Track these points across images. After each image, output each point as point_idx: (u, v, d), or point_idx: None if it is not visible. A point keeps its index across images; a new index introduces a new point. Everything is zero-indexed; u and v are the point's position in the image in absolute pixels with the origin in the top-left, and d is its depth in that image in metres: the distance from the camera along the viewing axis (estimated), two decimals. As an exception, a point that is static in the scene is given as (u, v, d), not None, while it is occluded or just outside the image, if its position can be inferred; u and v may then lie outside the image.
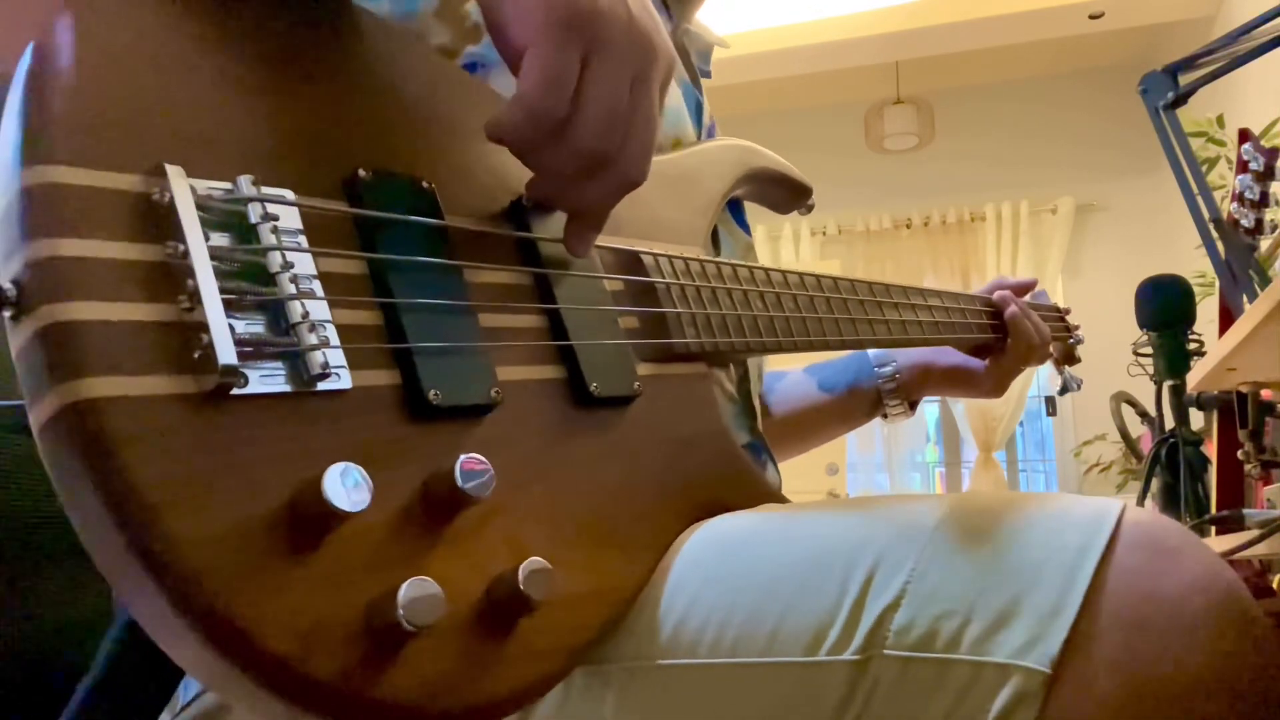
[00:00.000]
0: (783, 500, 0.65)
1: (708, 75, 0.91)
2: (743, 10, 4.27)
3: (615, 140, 0.50)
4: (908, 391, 1.00)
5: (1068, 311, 1.17)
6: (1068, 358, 1.16)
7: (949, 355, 1.00)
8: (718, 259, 0.70)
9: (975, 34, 4.42)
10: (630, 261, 0.63)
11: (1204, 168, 2.06)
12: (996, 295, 0.99)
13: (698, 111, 0.84)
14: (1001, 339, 0.99)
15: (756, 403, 0.82)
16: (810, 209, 0.89)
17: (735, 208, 0.86)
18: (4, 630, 0.68)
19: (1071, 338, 1.15)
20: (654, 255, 0.64)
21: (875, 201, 5.29)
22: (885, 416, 1.02)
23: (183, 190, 0.41)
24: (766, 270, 0.73)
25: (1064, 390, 1.16)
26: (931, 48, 4.57)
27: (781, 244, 5.35)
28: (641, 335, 0.62)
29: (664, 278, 0.64)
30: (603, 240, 0.61)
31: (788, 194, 0.88)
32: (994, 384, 0.99)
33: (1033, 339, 0.99)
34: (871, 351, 1.00)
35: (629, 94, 0.50)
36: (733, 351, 0.68)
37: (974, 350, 1.00)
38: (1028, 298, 1.07)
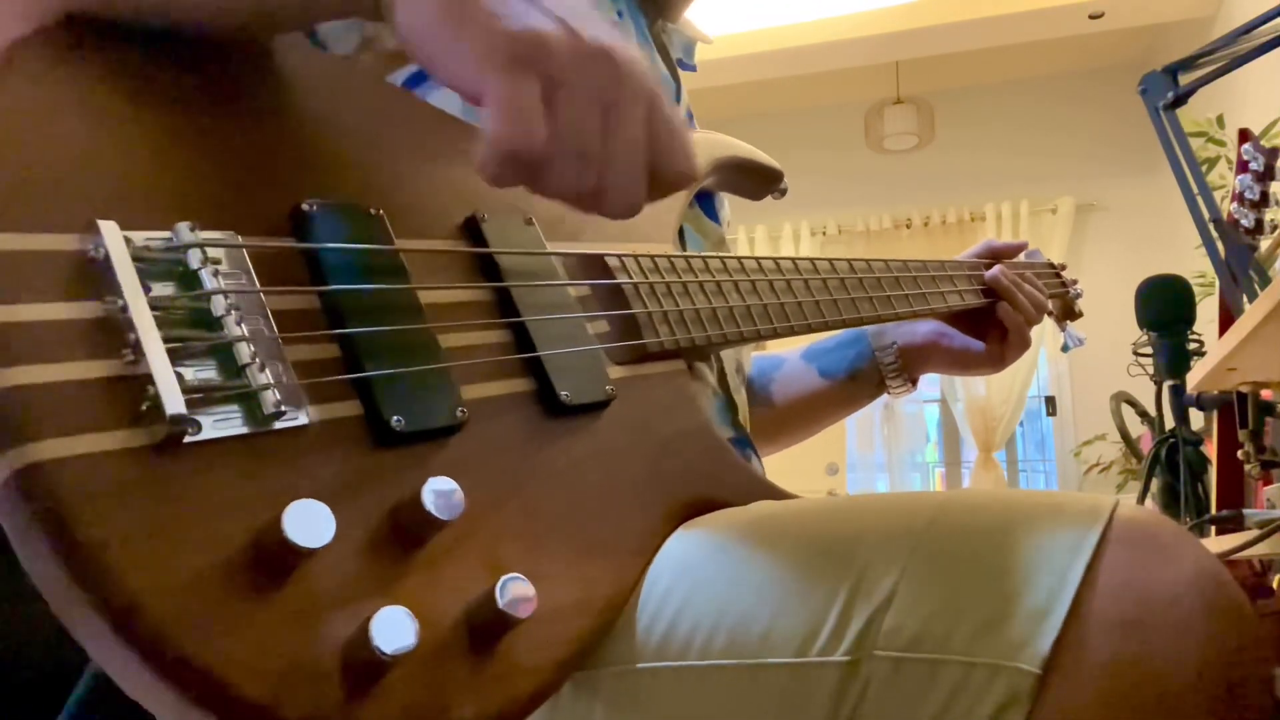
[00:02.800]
0: (772, 491, 0.64)
1: (691, 68, 0.90)
2: (743, 10, 4.26)
3: (592, 176, 0.47)
4: (909, 369, 0.98)
5: (1063, 267, 1.14)
6: (1067, 313, 1.13)
7: (948, 331, 0.98)
8: (687, 253, 0.69)
9: (975, 34, 4.41)
10: (595, 265, 0.62)
11: (1204, 168, 2.06)
12: (987, 276, 0.97)
13: (676, 102, 0.83)
14: (993, 304, 0.95)
15: (738, 396, 0.81)
16: (783, 193, 0.87)
17: (705, 202, 0.85)
18: (4, 630, 0.68)
19: (1070, 291, 1.12)
20: (619, 256, 0.63)
21: (875, 201, 5.28)
22: (889, 392, 1.00)
23: (116, 243, 0.41)
24: (740, 259, 0.71)
25: (1066, 347, 1.13)
26: (931, 48, 4.56)
27: (782, 244, 5.34)
28: (612, 338, 0.61)
29: (630, 278, 0.63)
30: (566, 247, 0.61)
31: (757, 180, 0.86)
32: (993, 356, 0.97)
33: (1022, 303, 0.95)
34: (869, 329, 0.98)
35: (600, 123, 0.46)
36: (709, 345, 0.67)
37: (969, 318, 0.96)
38: (1021, 257, 1.04)
